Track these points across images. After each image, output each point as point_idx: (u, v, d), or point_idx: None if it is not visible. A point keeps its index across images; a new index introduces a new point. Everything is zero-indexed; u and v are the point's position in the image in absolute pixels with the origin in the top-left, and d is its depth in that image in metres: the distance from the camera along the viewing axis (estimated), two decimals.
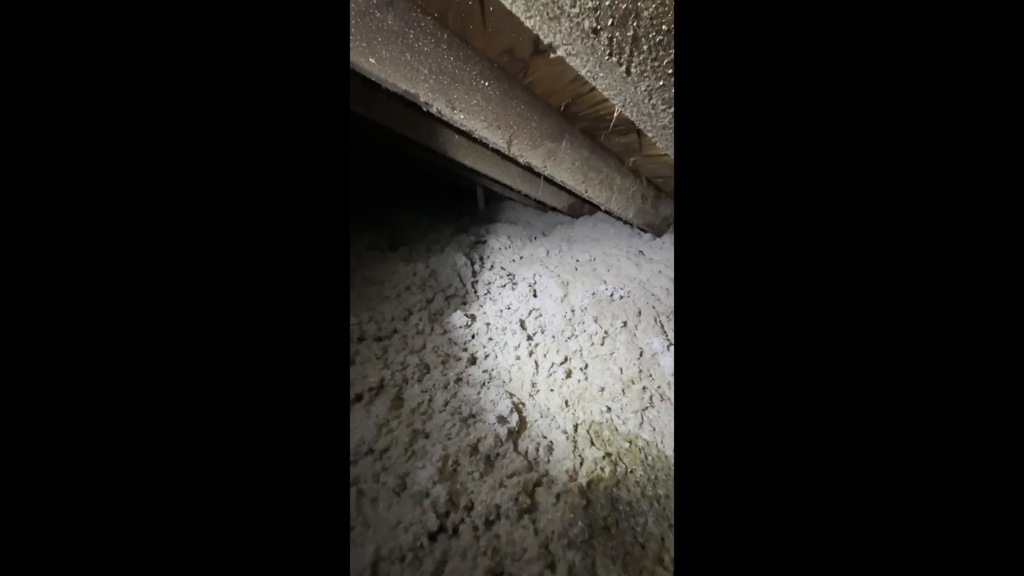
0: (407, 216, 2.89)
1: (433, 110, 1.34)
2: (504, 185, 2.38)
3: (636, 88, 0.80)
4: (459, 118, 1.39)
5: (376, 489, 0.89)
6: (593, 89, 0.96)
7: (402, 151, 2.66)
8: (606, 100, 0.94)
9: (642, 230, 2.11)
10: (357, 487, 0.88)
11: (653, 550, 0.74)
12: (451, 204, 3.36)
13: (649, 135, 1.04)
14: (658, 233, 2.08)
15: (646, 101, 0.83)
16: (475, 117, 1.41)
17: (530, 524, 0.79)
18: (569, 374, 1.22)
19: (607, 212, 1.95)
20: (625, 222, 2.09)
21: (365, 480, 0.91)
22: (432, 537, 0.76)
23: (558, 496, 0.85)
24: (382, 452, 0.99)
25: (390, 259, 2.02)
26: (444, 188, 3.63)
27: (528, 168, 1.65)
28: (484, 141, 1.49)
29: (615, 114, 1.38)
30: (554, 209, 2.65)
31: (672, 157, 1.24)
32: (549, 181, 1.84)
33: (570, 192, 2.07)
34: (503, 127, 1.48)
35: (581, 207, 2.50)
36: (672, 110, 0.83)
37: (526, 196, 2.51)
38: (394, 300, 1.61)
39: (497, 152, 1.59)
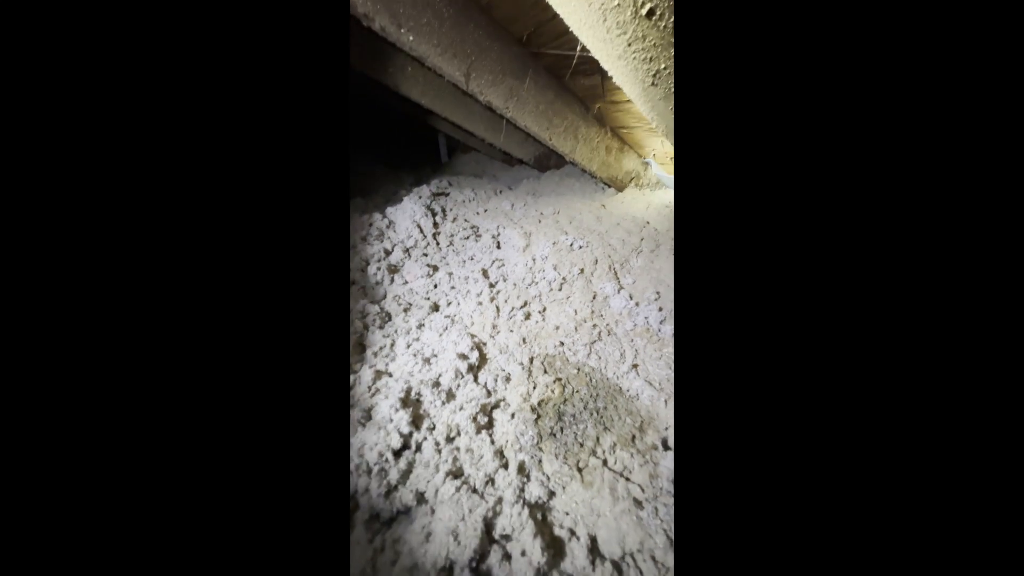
0: (361, 165, 2.62)
1: (376, 26, 1.15)
2: (466, 132, 2.21)
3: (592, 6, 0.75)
4: (408, 40, 1.22)
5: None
6: (555, 16, 0.88)
7: (351, 88, 2.31)
8: (568, 31, 0.88)
9: (606, 184, 2.14)
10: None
11: (589, 446, 0.89)
12: (411, 154, 3.08)
13: (611, 76, 1.00)
14: (620, 188, 2.13)
15: (601, 23, 0.79)
16: (426, 40, 1.24)
17: (487, 437, 0.89)
18: (528, 316, 1.30)
19: (572, 163, 1.93)
20: (590, 175, 2.10)
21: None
22: (397, 453, 0.83)
23: (513, 415, 0.95)
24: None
25: None
26: (403, 138, 3.29)
27: (490, 109, 1.54)
28: (439, 72, 1.34)
29: (578, 49, 1.30)
30: (520, 162, 2.56)
31: (636, 106, 1.22)
32: (513, 126, 1.75)
33: (536, 140, 2.00)
34: (459, 56, 1.33)
35: (548, 159, 2.44)
36: (627, 36, 0.80)
37: (491, 146, 2.38)
38: (350, 251, 1.53)
39: (456, 88, 1.45)
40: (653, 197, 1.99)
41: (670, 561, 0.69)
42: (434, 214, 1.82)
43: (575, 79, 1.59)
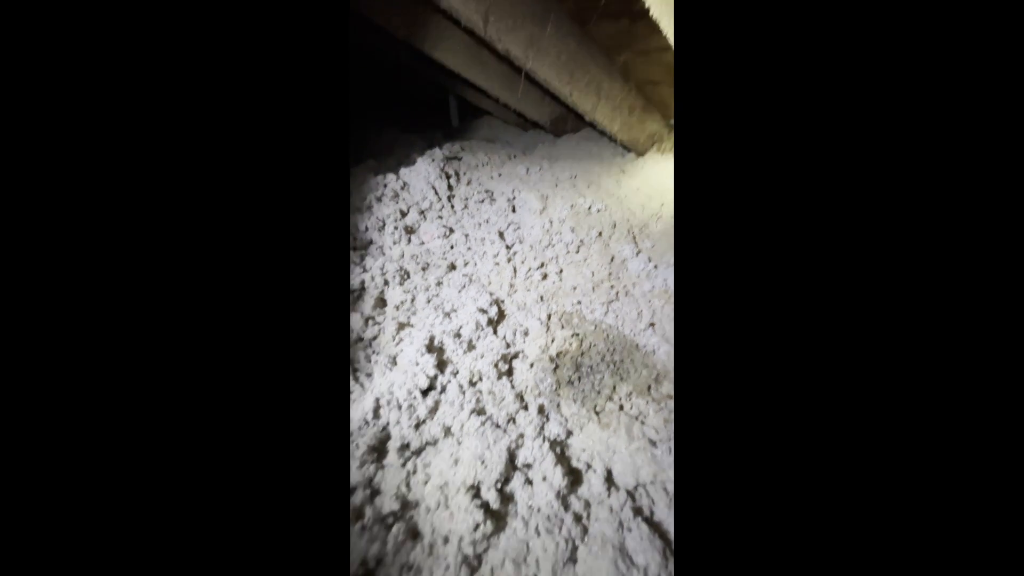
0: (372, 129, 2.55)
1: None
2: (479, 90, 2.10)
3: None
4: None
5: (370, 367, 0.98)
6: None
7: (357, 46, 2.19)
8: None
9: (625, 148, 2.04)
10: (352, 367, 0.96)
11: (606, 393, 0.93)
12: (421, 119, 2.97)
13: (649, 7, 0.91)
14: (641, 152, 2.04)
15: None
16: None
17: (508, 383, 0.93)
18: (545, 276, 1.31)
19: (591, 124, 1.83)
20: (609, 138, 2.01)
21: (358, 362, 0.99)
22: (424, 393, 0.88)
23: (532, 364, 0.99)
24: (371, 340, 1.06)
25: (357, 172, 1.84)
26: (412, 102, 3.15)
27: (507, 59, 1.45)
28: (455, 15, 1.26)
29: None
30: (535, 125, 2.45)
31: (671, 54, 1.13)
32: (531, 80, 1.65)
33: (553, 98, 1.89)
34: None
35: (564, 122, 2.32)
36: None
37: (505, 107, 2.27)
38: (366, 212, 1.53)
39: (471, 34, 1.36)
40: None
41: None
42: (448, 177, 1.78)
43: (600, 24, 1.48)
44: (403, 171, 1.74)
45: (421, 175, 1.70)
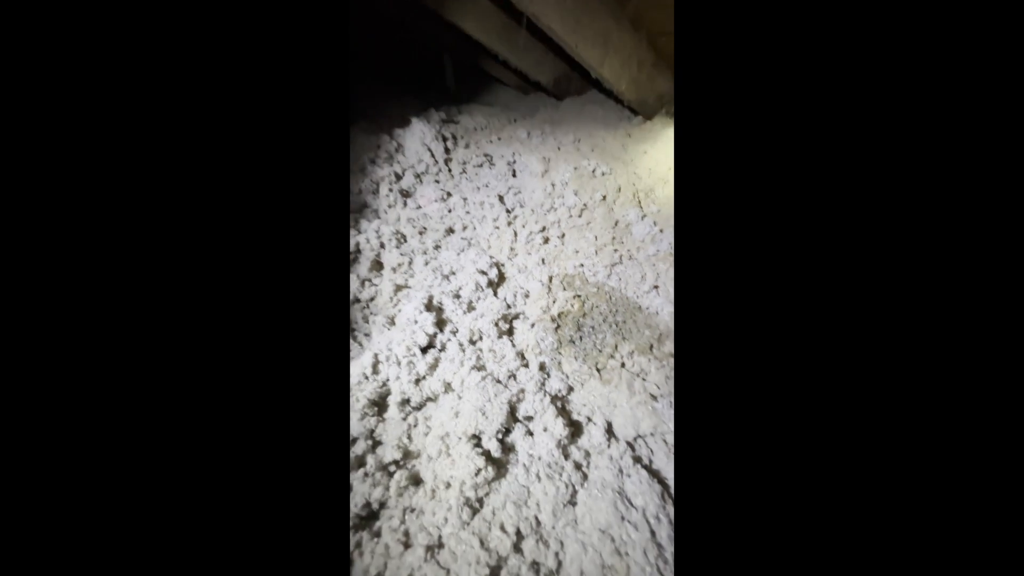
0: (362, 87, 2.39)
1: None
2: (476, 44, 1.95)
3: None
4: None
5: (367, 327, 0.96)
6: None
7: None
8: None
9: (632, 111, 1.93)
10: (350, 328, 0.95)
11: (607, 352, 0.92)
12: (414, 79, 2.79)
13: None
14: (648, 115, 1.92)
15: None
16: None
17: (508, 341, 0.92)
18: (547, 240, 1.27)
19: (596, 83, 1.72)
20: (616, 100, 1.89)
21: (356, 322, 0.98)
22: (424, 350, 0.87)
23: (533, 324, 0.97)
24: (368, 301, 1.04)
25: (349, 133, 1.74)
26: (406, 62, 2.94)
27: (507, 4, 1.32)
28: None
29: None
30: (537, 87, 2.30)
31: None
32: (532, 32, 1.52)
33: (556, 54, 1.76)
34: None
35: (568, 83, 2.18)
36: None
37: (504, 66, 2.11)
38: (359, 174, 1.46)
39: None
40: None
41: None
42: (445, 140, 1.69)
43: None
44: (397, 132, 1.64)
45: (416, 137, 1.61)
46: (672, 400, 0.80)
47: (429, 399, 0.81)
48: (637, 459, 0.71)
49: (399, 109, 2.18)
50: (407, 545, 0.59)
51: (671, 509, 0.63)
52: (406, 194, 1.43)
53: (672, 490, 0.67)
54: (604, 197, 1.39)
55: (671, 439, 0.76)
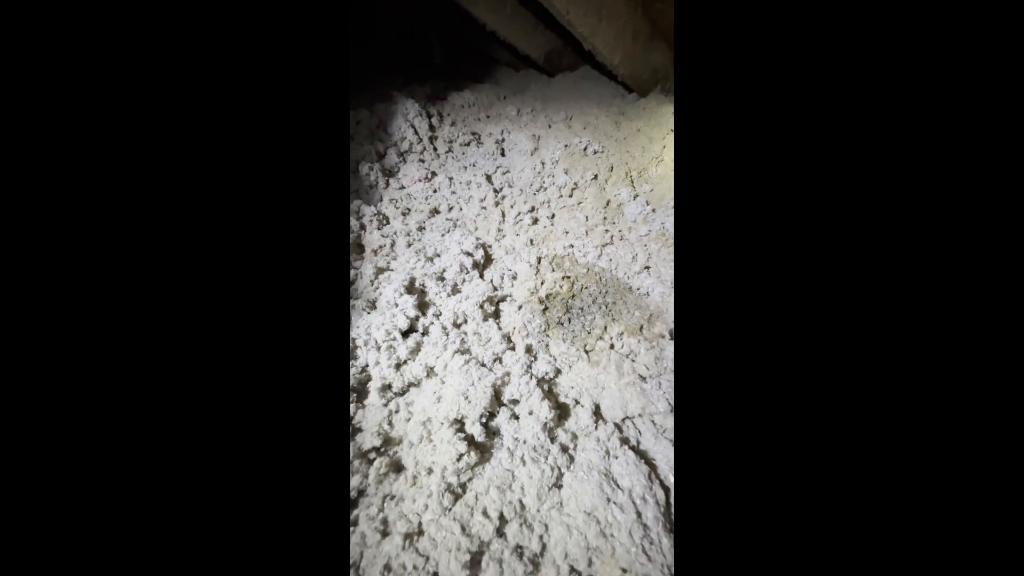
0: None
1: None
2: (464, 14, 1.82)
3: None
4: None
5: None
6: None
7: None
8: None
9: (626, 88, 1.85)
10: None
11: (596, 333, 0.89)
12: (398, 53, 2.63)
13: None
14: (643, 92, 1.85)
15: None
16: None
17: (494, 324, 0.88)
18: (536, 221, 1.22)
19: (589, 55, 1.63)
20: (609, 76, 1.80)
21: None
22: (405, 334, 0.83)
23: (520, 307, 0.94)
24: (348, 284, 0.99)
25: None
26: (388, 34, 2.77)
27: None
28: None
29: None
30: (528, 62, 2.19)
31: None
32: (519, 2, 1.41)
33: (547, 24, 1.66)
34: None
35: (559, 58, 2.07)
36: None
37: (493, 38, 1.99)
38: None
39: None
40: None
41: (668, 423, 0.74)
42: (430, 117, 1.60)
43: None
44: (379, 108, 1.55)
45: (399, 112, 1.52)
46: (660, 381, 0.78)
47: (411, 384, 0.78)
48: (624, 440, 0.70)
49: (382, 83, 2.05)
50: (385, 533, 0.57)
51: (658, 490, 0.62)
52: (388, 173, 1.35)
53: (659, 471, 0.66)
54: (596, 176, 1.34)
55: (659, 419, 0.74)
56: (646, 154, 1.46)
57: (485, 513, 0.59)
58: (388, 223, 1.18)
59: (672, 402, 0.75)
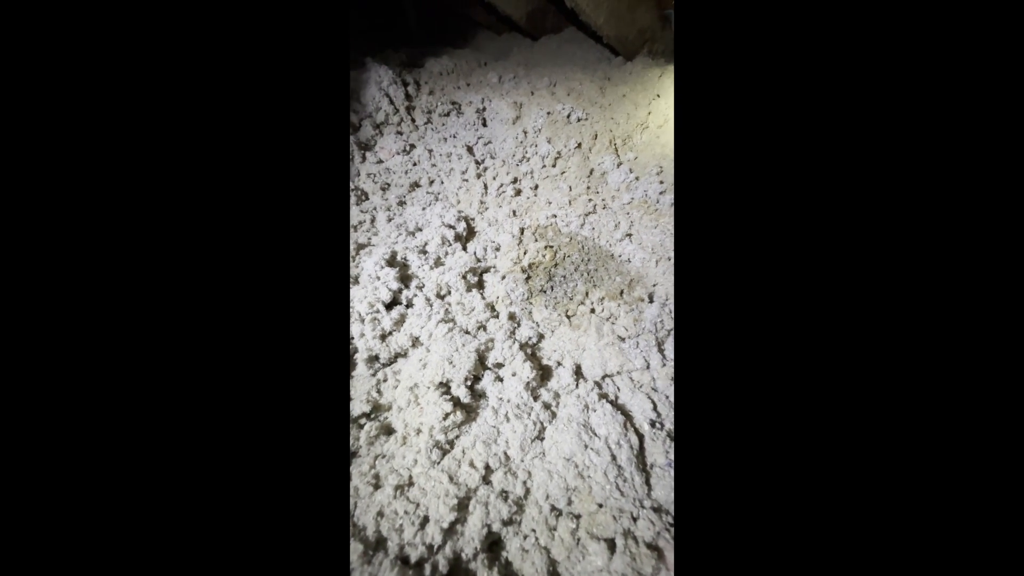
0: None
1: None
2: None
3: None
4: None
5: None
6: None
7: None
8: None
9: (613, 51, 1.77)
10: None
11: (578, 299, 0.91)
12: (368, 15, 2.43)
13: None
14: (629, 56, 1.77)
15: None
16: None
17: (478, 294, 0.89)
18: (519, 192, 1.20)
19: (573, 14, 1.54)
20: (595, 37, 1.71)
21: None
22: (388, 306, 0.83)
23: (503, 277, 0.95)
24: None
25: None
26: None
27: None
28: None
29: None
30: (509, 24, 2.06)
31: None
32: None
33: None
34: None
35: (543, 19, 1.95)
36: None
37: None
38: None
39: None
40: (668, 68, 1.68)
41: (645, 379, 0.78)
42: (406, 85, 1.51)
43: None
44: (351, 75, 1.45)
45: (372, 81, 1.43)
46: (638, 341, 0.81)
47: (398, 354, 0.79)
48: (603, 395, 0.74)
49: (352, 51, 1.92)
50: (377, 486, 0.60)
51: (632, 436, 0.67)
52: (365, 147, 1.30)
53: (635, 420, 0.70)
54: (579, 145, 1.31)
55: (637, 376, 0.78)
56: (631, 120, 1.43)
57: (472, 464, 0.63)
58: (367, 198, 1.15)
59: (648, 360, 0.78)
